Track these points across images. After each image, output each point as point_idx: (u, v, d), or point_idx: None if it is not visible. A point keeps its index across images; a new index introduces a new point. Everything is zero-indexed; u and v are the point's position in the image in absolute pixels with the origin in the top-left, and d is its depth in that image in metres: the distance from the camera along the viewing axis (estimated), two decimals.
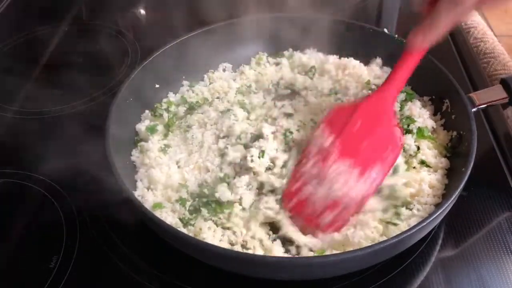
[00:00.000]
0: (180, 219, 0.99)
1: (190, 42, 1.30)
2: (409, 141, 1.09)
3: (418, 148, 1.09)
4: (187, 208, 1.00)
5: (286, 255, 0.95)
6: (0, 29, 1.69)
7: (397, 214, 0.97)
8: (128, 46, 1.57)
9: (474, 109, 1.09)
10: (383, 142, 0.94)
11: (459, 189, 0.93)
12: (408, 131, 1.12)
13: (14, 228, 1.08)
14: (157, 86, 1.25)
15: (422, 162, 1.07)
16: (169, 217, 0.99)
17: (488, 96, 1.13)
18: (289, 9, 1.37)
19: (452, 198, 0.91)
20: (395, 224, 0.95)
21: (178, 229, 0.94)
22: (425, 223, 0.86)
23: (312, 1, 1.35)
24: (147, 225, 0.99)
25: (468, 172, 0.95)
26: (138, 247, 1.03)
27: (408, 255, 0.99)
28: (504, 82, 1.12)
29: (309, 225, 0.93)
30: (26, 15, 1.76)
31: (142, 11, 1.79)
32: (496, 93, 1.12)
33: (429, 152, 1.09)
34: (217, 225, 0.98)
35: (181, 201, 1.01)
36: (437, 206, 0.97)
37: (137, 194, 1.04)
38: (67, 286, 0.96)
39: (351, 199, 0.91)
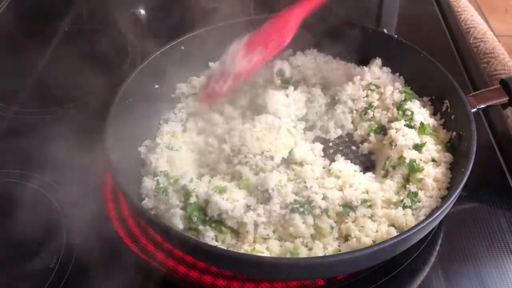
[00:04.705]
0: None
1: (190, 42, 1.30)
2: (412, 135, 1.10)
3: (423, 144, 1.09)
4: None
5: None
6: (0, 29, 1.69)
7: (412, 196, 1.00)
8: (128, 46, 1.57)
9: (473, 110, 1.09)
10: (270, 39, 1.16)
11: (459, 190, 0.93)
12: (410, 127, 1.13)
13: (14, 228, 1.08)
14: (156, 86, 1.25)
15: (429, 160, 1.08)
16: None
17: (488, 96, 1.13)
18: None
19: (452, 199, 0.92)
20: (406, 207, 0.99)
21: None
22: (424, 224, 0.86)
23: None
24: (146, 224, 0.99)
25: (468, 172, 0.95)
26: (138, 247, 1.03)
27: (408, 255, 0.99)
28: (504, 83, 1.12)
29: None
30: (27, 15, 1.76)
31: (142, 11, 1.79)
32: (495, 94, 1.12)
33: (432, 147, 1.09)
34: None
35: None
36: (443, 198, 0.98)
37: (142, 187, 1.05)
38: (67, 286, 0.97)
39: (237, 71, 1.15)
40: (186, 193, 0.99)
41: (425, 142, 1.10)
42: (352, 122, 1.24)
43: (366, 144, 1.20)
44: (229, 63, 1.15)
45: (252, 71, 1.15)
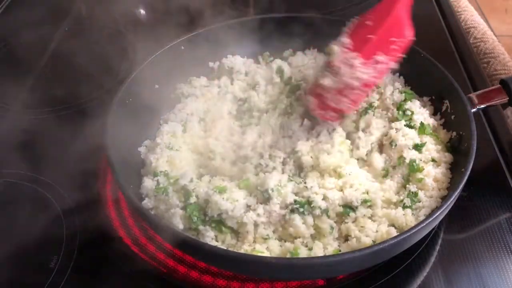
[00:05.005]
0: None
1: (190, 42, 1.30)
2: (412, 135, 1.10)
3: (423, 144, 1.09)
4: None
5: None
6: (0, 29, 1.69)
7: (412, 196, 1.00)
8: (128, 46, 1.57)
9: (473, 110, 1.09)
10: (390, 34, 1.03)
11: (458, 190, 0.93)
12: (410, 127, 1.13)
13: (14, 228, 1.08)
14: (156, 86, 1.25)
15: (429, 160, 1.08)
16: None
17: (487, 96, 1.13)
18: (289, 9, 1.38)
19: (452, 199, 0.92)
20: (406, 207, 0.99)
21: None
22: (424, 224, 0.86)
23: (313, 1, 1.35)
24: (146, 224, 0.99)
25: (468, 172, 0.95)
26: (138, 247, 1.03)
27: (408, 255, 0.99)
28: (504, 83, 1.12)
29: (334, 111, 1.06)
30: (27, 15, 1.76)
31: (142, 11, 1.79)
32: (495, 94, 1.12)
33: (432, 147, 1.10)
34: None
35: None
36: (443, 199, 0.98)
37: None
38: (67, 286, 0.97)
39: (359, 82, 1.02)
40: (186, 193, 0.99)
41: (425, 142, 1.10)
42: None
43: None
44: (348, 75, 1.02)
45: (378, 81, 1.06)
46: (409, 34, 1.03)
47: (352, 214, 0.98)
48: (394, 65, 1.05)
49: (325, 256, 0.91)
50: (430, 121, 1.15)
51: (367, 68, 1.02)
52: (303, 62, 1.33)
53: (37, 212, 1.11)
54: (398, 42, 1.03)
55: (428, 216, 0.89)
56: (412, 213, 0.99)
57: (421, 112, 1.16)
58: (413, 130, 1.12)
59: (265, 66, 1.36)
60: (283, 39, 1.36)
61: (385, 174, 1.09)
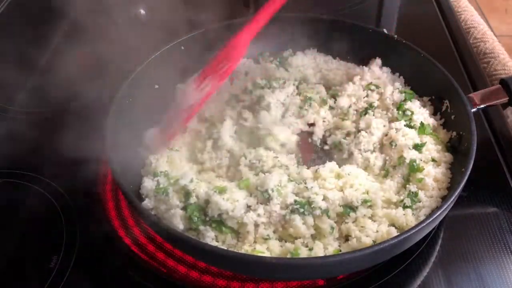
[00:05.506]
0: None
1: (190, 42, 1.30)
2: (412, 135, 1.10)
3: (423, 144, 1.09)
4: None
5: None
6: (0, 29, 1.69)
7: (413, 196, 1.00)
8: (128, 47, 1.56)
9: (473, 110, 1.09)
10: (221, 62, 1.15)
11: (458, 190, 0.93)
12: (410, 127, 1.13)
13: (14, 228, 1.08)
14: (156, 86, 1.25)
15: (429, 160, 1.08)
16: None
17: (488, 96, 1.13)
18: (289, 9, 1.37)
19: (452, 199, 0.92)
20: (406, 207, 0.99)
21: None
22: (424, 224, 0.87)
23: (312, 1, 1.35)
24: (146, 224, 0.99)
25: (468, 172, 0.95)
26: (138, 247, 1.03)
27: (408, 255, 0.99)
28: (504, 83, 1.12)
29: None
30: (27, 15, 1.75)
31: (142, 11, 1.79)
32: (495, 94, 1.12)
33: (432, 147, 1.10)
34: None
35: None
36: (443, 198, 0.98)
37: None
38: (67, 286, 0.97)
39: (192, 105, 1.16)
40: (186, 193, 0.99)
41: (425, 142, 1.10)
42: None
43: None
44: (182, 100, 1.17)
45: (204, 101, 1.15)
46: (235, 59, 1.16)
47: (352, 214, 0.98)
48: (218, 85, 1.15)
49: (325, 256, 0.91)
50: (430, 121, 1.15)
51: (197, 92, 1.15)
52: (303, 62, 1.33)
53: (37, 212, 1.11)
54: (224, 67, 1.14)
55: (428, 216, 0.89)
56: (412, 213, 0.99)
57: (421, 112, 1.16)
58: (413, 130, 1.13)
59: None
60: (283, 39, 1.36)
61: (385, 174, 1.09)
